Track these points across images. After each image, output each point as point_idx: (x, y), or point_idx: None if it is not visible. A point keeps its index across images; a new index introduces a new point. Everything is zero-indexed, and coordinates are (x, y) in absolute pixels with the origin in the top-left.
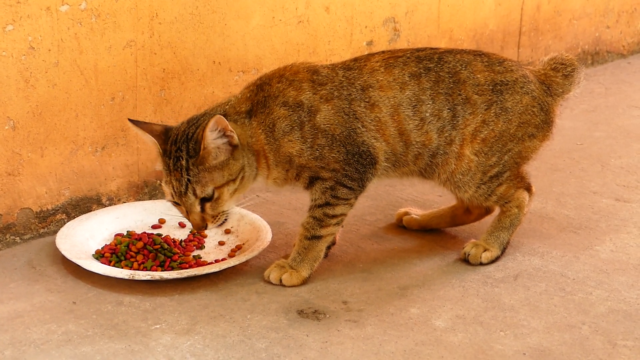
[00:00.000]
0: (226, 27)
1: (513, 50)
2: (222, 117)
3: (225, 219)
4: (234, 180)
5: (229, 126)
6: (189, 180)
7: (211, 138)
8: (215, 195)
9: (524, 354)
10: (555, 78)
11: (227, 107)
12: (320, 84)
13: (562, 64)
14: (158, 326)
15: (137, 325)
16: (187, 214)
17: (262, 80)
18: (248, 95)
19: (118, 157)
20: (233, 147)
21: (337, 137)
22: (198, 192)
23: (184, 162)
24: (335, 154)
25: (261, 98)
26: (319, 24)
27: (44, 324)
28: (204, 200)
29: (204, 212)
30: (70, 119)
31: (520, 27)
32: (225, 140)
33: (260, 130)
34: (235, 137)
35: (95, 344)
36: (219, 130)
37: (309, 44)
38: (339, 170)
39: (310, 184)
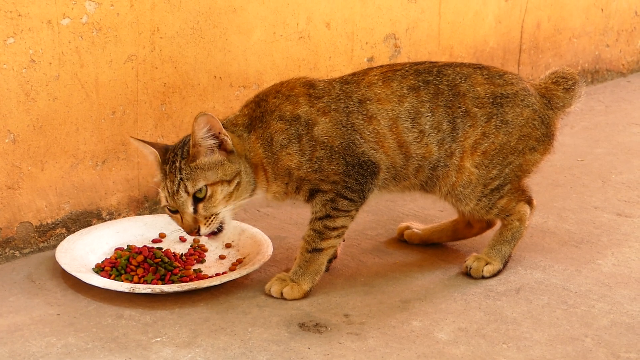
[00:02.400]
0: (227, 42)
1: (513, 68)
2: (212, 116)
3: (221, 228)
4: (228, 182)
5: (222, 129)
6: (181, 178)
7: (200, 135)
8: (208, 193)
9: None
10: (556, 91)
11: (223, 121)
12: (317, 97)
13: (563, 78)
14: (158, 339)
15: (138, 338)
16: (181, 217)
17: (260, 97)
18: (246, 112)
19: (118, 171)
20: (228, 152)
21: (336, 149)
22: (189, 188)
23: (178, 164)
24: (335, 166)
25: (259, 114)
26: (319, 40)
27: (43, 337)
28: (197, 201)
29: (197, 213)
30: (71, 133)
31: (520, 44)
32: (216, 141)
33: (259, 144)
34: (229, 141)
35: (95, 357)
36: (209, 129)
37: (310, 60)
38: (339, 182)
39: (311, 196)
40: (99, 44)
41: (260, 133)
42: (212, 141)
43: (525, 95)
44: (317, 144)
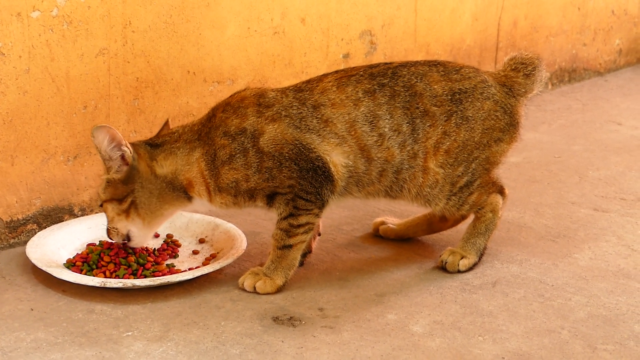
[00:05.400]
0: (201, 36)
1: (490, 66)
2: (109, 127)
3: (128, 238)
4: (119, 201)
5: (124, 141)
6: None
7: (104, 148)
8: (104, 208)
9: (503, 358)
10: (517, 78)
11: (171, 131)
12: (267, 106)
13: (522, 64)
14: (130, 333)
15: (109, 332)
16: None
17: (213, 110)
18: (198, 128)
19: (90, 166)
20: (130, 168)
21: (286, 156)
22: (100, 197)
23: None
24: (287, 172)
25: (207, 129)
26: (294, 36)
27: (12, 332)
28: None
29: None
30: (42, 127)
31: (497, 42)
32: (121, 152)
33: (202, 160)
34: (128, 154)
35: (64, 351)
36: (110, 140)
37: (285, 55)
38: (295, 185)
39: (270, 200)
40: (70, 38)
41: (206, 150)
42: (118, 153)
43: (484, 87)
44: (264, 155)
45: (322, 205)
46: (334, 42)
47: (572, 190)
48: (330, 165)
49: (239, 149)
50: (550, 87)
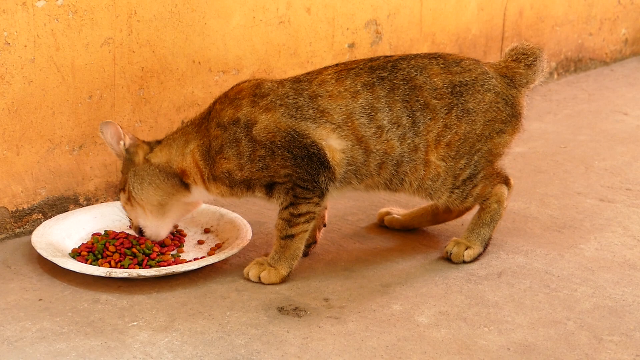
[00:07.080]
0: (206, 26)
1: (496, 56)
2: (112, 123)
3: (142, 231)
4: (122, 190)
5: (122, 136)
6: None
7: (108, 142)
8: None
9: (509, 349)
10: (518, 69)
11: (172, 132)
12: (262, 96)
13: (524, 54)
14: (135, 323)
15: (114, 322)
16: None
17: (213, 104)
18: (198, 122)
19: (96, 156)
20: (127, 160)
21: (279, 144)
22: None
23: None
24: (280, 161)
25: (206, 123)
26: (300, 25)
27: (18, 322)
28: None
29: None
30: (47, 117)
31: (502, 32)
32: (119, 147)
33: (197, 150)
34: (123, 146)
35: (70, 340)
36: (112, 135)
37: (290, 45)
38: (292, 174)
39: (270, 190)
40: (75, 27)
41: (202, 141)
42: (121, 147)
43: (485, 79)
44: (256, 144)
45: (321, 194)
46: (340, 32)
47: (578, 181)
48: (326, 151)
49: (229, 139)
50: (556, 76)
